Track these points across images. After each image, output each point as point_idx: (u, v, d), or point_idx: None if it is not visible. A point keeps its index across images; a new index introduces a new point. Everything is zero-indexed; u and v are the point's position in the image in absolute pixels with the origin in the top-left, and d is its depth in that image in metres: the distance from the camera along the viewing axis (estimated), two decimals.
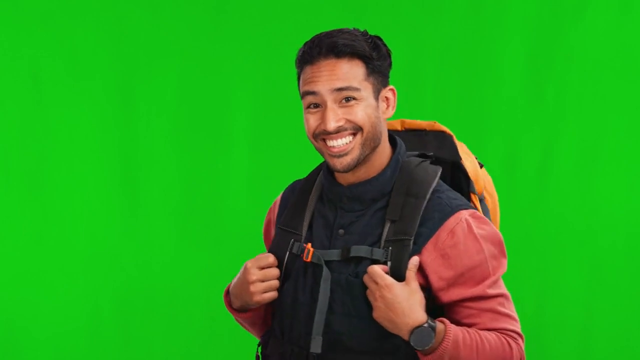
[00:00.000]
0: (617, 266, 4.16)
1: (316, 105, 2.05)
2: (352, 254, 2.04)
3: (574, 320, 4.18)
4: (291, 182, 2.36)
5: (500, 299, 2.07)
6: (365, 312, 2.04)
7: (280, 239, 2.16)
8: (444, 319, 2.02)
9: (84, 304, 4.01)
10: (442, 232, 2.03)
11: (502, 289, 2.08)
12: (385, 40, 2.15)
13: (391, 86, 2.11)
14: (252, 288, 2.10)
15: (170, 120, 4.05)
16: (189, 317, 4.08)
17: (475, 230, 2.05)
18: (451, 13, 4.13)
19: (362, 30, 2.10)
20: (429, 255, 2.03)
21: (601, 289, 4.17)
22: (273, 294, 2.12)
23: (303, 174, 4.04)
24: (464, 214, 2.06)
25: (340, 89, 2.02)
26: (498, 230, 2.11)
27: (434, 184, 2.09)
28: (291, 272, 2.14)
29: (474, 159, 2.28)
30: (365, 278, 2.01)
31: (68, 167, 3.98)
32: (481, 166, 2.31)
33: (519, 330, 2.08)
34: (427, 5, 4.13)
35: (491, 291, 2.06)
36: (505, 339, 2.05)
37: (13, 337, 3.97)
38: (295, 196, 2.22)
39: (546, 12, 4.12)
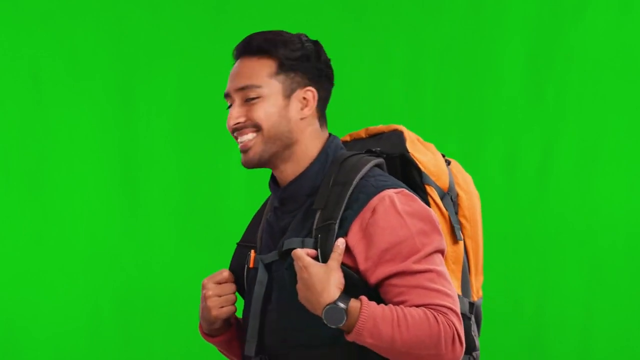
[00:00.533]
0: (617, 266, 4.16)
1: (231, 105, 2.12)
2: (285, 248, 2.05)
3: (574, 320, 4.18)
4: None
5: (429, 275, 2.01)
6: (298, 302, 2.03)
7: (239, 255, 2.18)
8: (362, 297, 1.99)
9: (84, 304, 4.01)
10: (366, 212, 2.02)
11: (434, 265, 2.02)
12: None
13: (310, 88, 2.11)
14: (210, 303, 2.12)
15: (170, 120, 4.05)
16: (189, 317, 4.08)
17: (399, 206, 2.03)
18: (451, 13, 4.13)
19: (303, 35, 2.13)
20: (354, 236, 2.03)
21: (601, 289, 4.17)
22: (230, 308, 2.13)
23: None
24: (389, 192, 2.04)
25: (242, 89, 2.07)
26: (429, 208, 2.08)
27: (364, 171, 2.07)
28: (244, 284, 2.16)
29: (439, 156, 2.26)
30: (294, 263, 2.01)
31: (68, 167, 3.98)
32: (448, 163, 2.30)
33: (451, 305, 2.01)
34: (427, 5, 4.13)
35: (418, 266, 2.01)
36: (432, 312, 1.99)
37: (13, 337, 3.97)
38: (257, 212, 2.25)
39: (546, 12, 4.12)
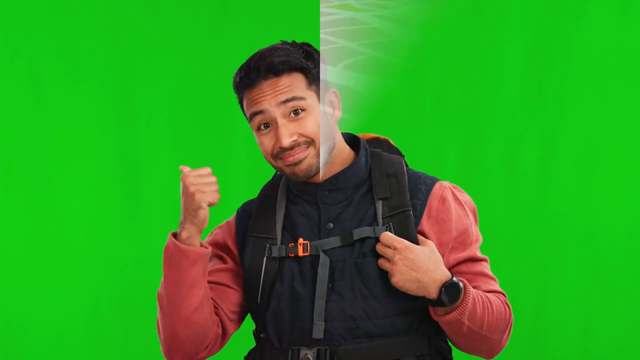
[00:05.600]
0: (617, 266, 4.16)
1: (266, 125, 2.08)
2: (355, 237, 2.05)
3: (574, 320, 4.17)
4: None
5: (485, 263, 2.14)
6: (381, 290, 2.05)
7: (255, 247, 2.15)
8: (462, 278, 2.07)
9: (84, 304, 4.01)
10: (433, 200, 2.10)
11: (483, 254, 2.17)
12: None
13: (332, 89, 2.13)
14: (192, 188, 2.14)
15: (170, 120, 4.06)
16: None
17: (460, 196, 2.15)
18: (451, 13, 4.13)
19: (290, 41, 2.12)
20: (426, 224, 2.09)
21: (601, 289, 4.17)
22: (215, 194, 2.12)
23: None
24: (444, 183, 2.15)
25: (286, 101, 2.05)
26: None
27: (404, 164, 2.17)
28: (277, 276, 2.11)
29: None
30: (379, 247, 2.02)
31: (68, 167, 3.98)
32: None
33: (505, 293, 2.15)
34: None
35: (479, 254, 2.13)
36: (501, 299, 2.10)
37: (13, 337, 3.97)
38: (258, 203, 2.24)
39: (546, 12, 4.12)
